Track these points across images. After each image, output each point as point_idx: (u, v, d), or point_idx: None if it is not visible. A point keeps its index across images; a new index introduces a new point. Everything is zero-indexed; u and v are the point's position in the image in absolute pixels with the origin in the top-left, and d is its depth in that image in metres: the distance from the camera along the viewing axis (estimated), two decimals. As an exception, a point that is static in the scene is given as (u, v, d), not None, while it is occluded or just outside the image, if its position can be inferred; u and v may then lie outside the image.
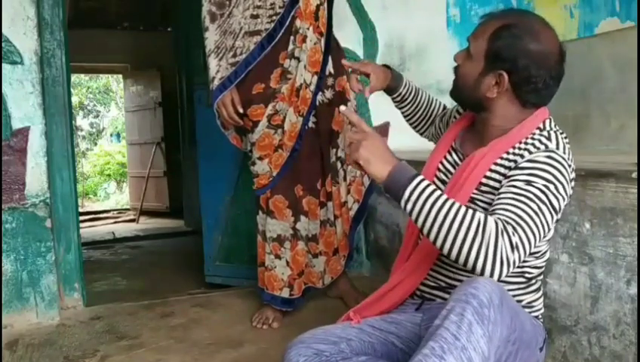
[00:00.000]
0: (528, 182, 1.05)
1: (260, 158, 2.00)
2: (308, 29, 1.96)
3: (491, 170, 1.16)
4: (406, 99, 1.58)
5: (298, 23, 1.95)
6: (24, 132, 2.10)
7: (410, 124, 1.63)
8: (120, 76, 7.87)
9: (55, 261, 2.16)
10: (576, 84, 2.60)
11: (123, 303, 2.38)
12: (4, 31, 2.05)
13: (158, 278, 3.02)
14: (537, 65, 1.12)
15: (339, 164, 2.09)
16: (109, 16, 5.97)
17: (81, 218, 3.73)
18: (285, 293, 2.02)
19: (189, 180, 4.95)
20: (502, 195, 1.07)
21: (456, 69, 1.25)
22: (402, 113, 1.63)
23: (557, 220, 1.10)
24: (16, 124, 2.10)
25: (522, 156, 1.11)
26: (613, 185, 1.24)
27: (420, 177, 1.04)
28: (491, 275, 0.98)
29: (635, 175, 1.19)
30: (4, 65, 2.06)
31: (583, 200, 1.31)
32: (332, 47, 2.06)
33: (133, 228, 5.54)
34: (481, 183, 1.16)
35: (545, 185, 1.05)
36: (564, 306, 1.33)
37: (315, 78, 1.99)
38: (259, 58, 1.91)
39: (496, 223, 0.99)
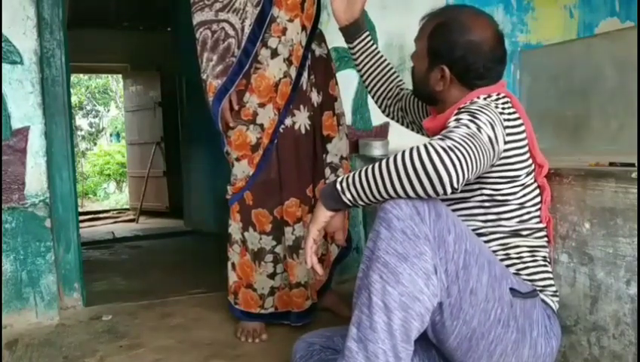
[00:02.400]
0: (456, 120, 1.11)
1: (238, 159, 1.90)
2: (290, 20, 1.89)
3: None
4: (364, 51, 1.63)
5: (275, 11, 1.87)
6: (24, 132, 2.11)
7: (369, 91, 1.69)
8: (119, 76, 7.88)
9: (55, 261, 2.16)
10: (576, 84, 2.61)
11: (123, 303, 2.38)
12: (3, 31, 2.05)
13: (158, 278, 3.01)
14: (473, 54, 1.22)
15: (328, 171, 2.02)
16: (109, 16, 5.96)
17: (81, 218, 3.73)
18: (265, 310, 1.95)
19: (189, 180, 4.96)
20: None
21: (412, 70, 1.37)
22: (359, 70, 1.67)
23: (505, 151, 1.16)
24: (16, 123, 2.10)
25: None
26: (613, 185, 1.24)
27: (336, 179, 1.13)
28: (446, 169, 0.97)
29: (635, 175, 1.19)
30: (3, 65, 2.06)
31: (583, 200, 1.31)
32: (321, 49, 2.03)
33: (133, 228, 5.53)
34: None
35: (470, 114, 1.11)
36: (564, 306, 1.33)
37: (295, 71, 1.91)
38: (253, 53, 1.84)
39: (417, 145, 1.04)
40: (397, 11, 2.71)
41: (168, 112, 5.89)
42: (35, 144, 2.12)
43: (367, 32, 1.63)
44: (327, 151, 2.03)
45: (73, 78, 10.29)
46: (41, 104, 2.13)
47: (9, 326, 2.07)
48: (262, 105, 1.88)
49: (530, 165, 1.22)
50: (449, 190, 0.99)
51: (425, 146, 1.01)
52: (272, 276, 1.94)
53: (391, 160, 1.04)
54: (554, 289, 1.26)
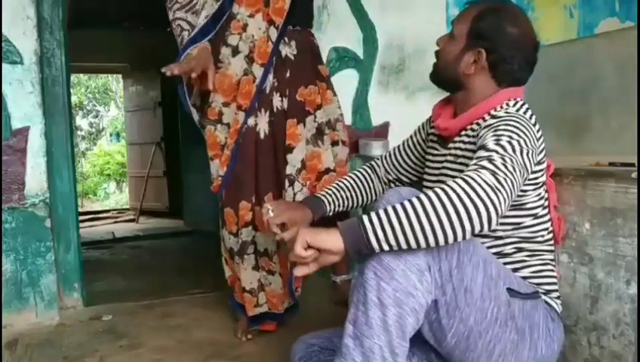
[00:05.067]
0: (496, 140, 1.08)
1: (211, 158, 1.90)
2: (251, 16, 1.84)
3: (460, 136, 1.27)
4: (338, 206, 1.50)
5: (235, 7, 1.84)
6: (24, 132, 2.11)
7: (367, 205, 1.58)
8: (120, 76, 7.87)
9: (55, 261, 2.16)
10: (576, 85, 2.60)
11: (123, 303, 2.38)
12: (4, 31, 2.05)
13: (158, 278, 3.02)
14: (515, 47, 1.22)
15: (287, 183, 1.84)
16: (109, 16, 5.95)
17: (81, 218, 3.73)
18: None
19: (189, 180, 4.96)
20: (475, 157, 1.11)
21: (437, 53, 1.33)
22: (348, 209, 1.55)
23: (535, 172, 1.16)
24: (16, 123, 2.10)
25: (487, 122, 1.18)
26: (613, 186, 1.24)
27: (363, 216, 1.02)
28: (494, 207, 0.97)
29: (635, 175, 1.19)
30: (3, 65, 2.06)
31: (583, 201, 1.31)
32: (301, 47, 1.90)
33: (133, 228, 5.54)
34: (452, 154, 1.28)
35: (509, 135, 1.09)
36: (564, 306, 1.33)
37: (261, 70, 1.83)
38: (199, 44, 1.84)
39: (463, 177, 1.00)
40: (397, 11, 2.71)
41: (168, 112, 5.89)
42: (35, 144, 2.12)
43: (327, 204, 1.48)
44: (287, 162, 1.85)
45: (73, 78, 10.29)
46: (41, 104, 2.13)
47: (9, 326, 2.06)
48: (226, 104, 1.86)
49: (544, 169, 1.23)
50: (489, 229, 0.99)
51: (464, 179, 0.98)
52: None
53: (433, 196, 0.98)
54: (558, 293, 1.27)
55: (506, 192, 0.99)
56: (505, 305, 1.10)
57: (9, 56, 2.07)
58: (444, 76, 1.31)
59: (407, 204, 0.99)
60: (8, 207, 2.09)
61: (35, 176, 2.12)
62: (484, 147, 1.08)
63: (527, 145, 1.09)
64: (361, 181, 1.55)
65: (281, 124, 1.86)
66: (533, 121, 1.19)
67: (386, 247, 1.00)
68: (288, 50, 1.88)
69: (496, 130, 1.11)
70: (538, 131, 1.19)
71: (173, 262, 3.59)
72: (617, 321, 1.25)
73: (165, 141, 6.18)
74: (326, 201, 1.48)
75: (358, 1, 2.64)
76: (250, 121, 1.85)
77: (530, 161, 1.09)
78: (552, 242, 1.28)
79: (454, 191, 0.97)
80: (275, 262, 1.91)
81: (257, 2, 1.84)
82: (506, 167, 1.02)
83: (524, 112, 1.20)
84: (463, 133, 1.27)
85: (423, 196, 0.99)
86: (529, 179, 1.17)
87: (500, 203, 0.97)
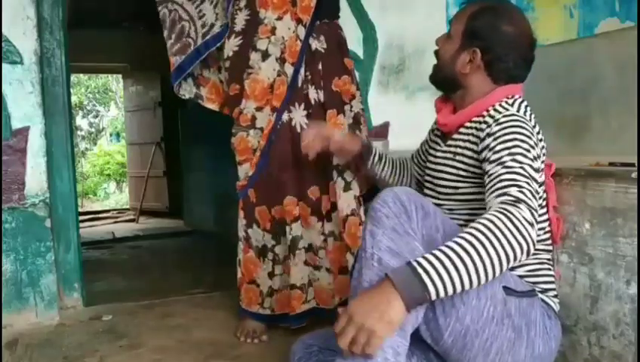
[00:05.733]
0: (512, 157, 1.11)
1: (240, 163, 1.91)
2: (279, 18, 1.85)
3: (459, 133, 1.28)
4: (381, 165, 1.68)
5: (262, 12, 1.86)
6: (24, 132, 2.11)
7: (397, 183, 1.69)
8: (120, 76, 7.87)
9: (55, 261, 2.16)
10: (576, 85, 2.60)
11: (123, 303, 2.38)
12: (4, 31, 2.05)
13: (158, 278, 3.02)
14: (510, 46, 1.24)
15: (335, 174, 1.87)
16: (109, 16, 5.96)
17: (81, 218, 3.73)
18: (264, 310, 1.92)
19: (189, 180, 4.96)
20: (487, 175, 1.13)
21: (436, 53, 1.35)
22: (383, 175, 1.69)
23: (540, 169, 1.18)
24: (16, 123, 2.10)
25: (487, 122, 1.19)
26: (613, 186, 1.24)
27: (414, 265, 0.97)
28: (533, 243, 1.01)
29: (635, 175, 1.19)
30: (3, 65, 2.06)
31: (583, 201, 1.31)
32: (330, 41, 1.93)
33: (133, 228, 5.54)
34: (450, 151, 1.29)
35: (521, 152, 1.11)
36: (564, 306, 1.33)
37: (292, 69, 1.85)
38: (213, 48, 1.89)
39: (507, 215, 1.01)
40: (397, 11, 2.71)
41: (168, 112, 5.89)
42: (35, 144, 2.12)
43: (375, 151, 1.68)
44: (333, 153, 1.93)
45: (73, 78, 10.29)
46: (41, 104, 2.13)
47: (9, 326, 2.06)
48: (259, 108, 1.87)
49: (543, 169, 1.24)
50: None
51: (513, 220, 1.00)
52: (270, 276, 1.94)
53: (483, 238, 0.98)
54: (555, 292, 1.27)
55: (536, 224, 1.03)
56: (501, 303, 1.11)
57: (9, 56, 2.07)
58: (442, 76, 1.33)
59: (460, 251, 0.97)
60: (8, 207, 2.09)
61: (35, 176, 2.12)
62: (501, 164, 1.10)
63: (535, 156, 1.13)
64: (402, 163, 1.68)
65: (320, 115, 1.90)
66: (532, 123, 1.20)
67: (442, 296, 0.98)
68: (318, 45, 1.92)
69: (504, 142, 1.13)
70: (538, 133, 1.20)
71: (173, 262, 3.59)
72: (617, 321, 1.25)
73: (165, 141, 6.18)
74: (374, 150, 1.66)
75: (358, 1, 2.64)
76: (284, 117, 1.87)
77: (539, 171, 1.14)
78: (549, 242, 1.28)
79: (502, 231, 0.99)
80: (321, 257, 1.91)
81: (284, 4, 1.86)
82: (532, 195, 1.06)
83: (524, 112, 1.21)
84: (462, 130, 1.28)
85: (473, 239, 0.98)
86: None
87: (535, 237, 1.02)
